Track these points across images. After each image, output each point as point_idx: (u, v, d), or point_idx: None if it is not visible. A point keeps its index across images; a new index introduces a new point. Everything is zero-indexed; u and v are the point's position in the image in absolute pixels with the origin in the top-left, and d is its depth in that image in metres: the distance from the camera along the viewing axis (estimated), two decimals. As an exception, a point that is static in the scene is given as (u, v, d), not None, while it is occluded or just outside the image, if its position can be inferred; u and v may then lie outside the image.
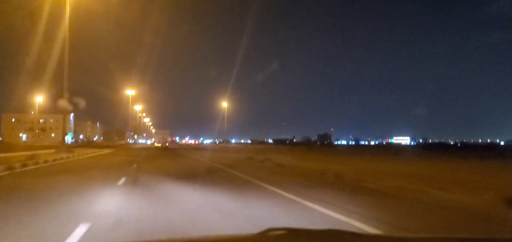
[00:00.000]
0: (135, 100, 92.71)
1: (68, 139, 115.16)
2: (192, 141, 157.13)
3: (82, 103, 61.95)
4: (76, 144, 78.61)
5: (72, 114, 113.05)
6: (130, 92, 61.72)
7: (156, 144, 70.36)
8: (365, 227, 5.04)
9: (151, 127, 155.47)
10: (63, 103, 28.03)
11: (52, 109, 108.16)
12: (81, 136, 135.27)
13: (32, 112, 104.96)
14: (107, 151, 40.36)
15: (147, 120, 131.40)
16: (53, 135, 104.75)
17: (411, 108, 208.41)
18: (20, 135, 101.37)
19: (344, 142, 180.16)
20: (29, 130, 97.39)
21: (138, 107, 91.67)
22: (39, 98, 62.18)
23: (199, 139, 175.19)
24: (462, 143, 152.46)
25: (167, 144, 72.31)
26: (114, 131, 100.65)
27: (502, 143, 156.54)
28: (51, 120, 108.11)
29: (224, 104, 75.09)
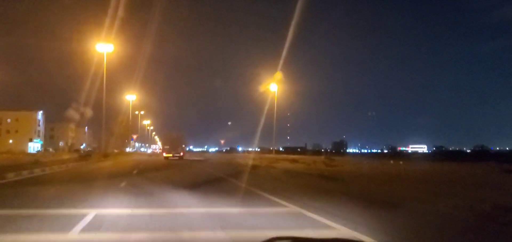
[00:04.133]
0: (125, 83, 62.19)
1: (35, 146, 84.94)
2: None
3: (89, 112, 41.18)
4: (39, 154, 49.71)
5: (39, 113, 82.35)
6: (103, 47, 31.09)
7: (165, 155, 40.65)
8: None
9: (153, 133, 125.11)
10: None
11: (14, 106, 78.03)
12: (61, 143, 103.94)
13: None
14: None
15: (147, 122, 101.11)
16: (10, 141, 73.95)
17: (420, 116, 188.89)
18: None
19: (355, 150, 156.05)
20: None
21: (131, 98, 60.94)
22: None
23: (204, 147, 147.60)
24: (482, 151, 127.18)
25: (181, 154, 41.42)
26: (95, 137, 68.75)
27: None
28: (9, 120, 77.19)
29: (273, 87, 45.55)
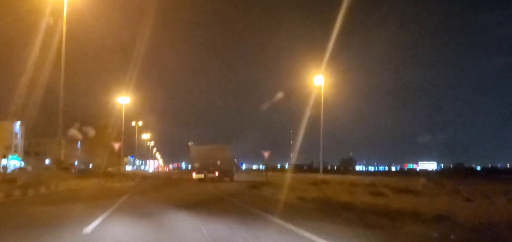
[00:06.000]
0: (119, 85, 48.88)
1: (11, 163, 70.60)
2: None
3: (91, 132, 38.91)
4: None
5: (17, 124, 68.60)
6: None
7: (195, 175, 30.72)
8: None
9: (154, 149, 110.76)
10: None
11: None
12: (47, 161, 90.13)
13: None
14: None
15: (146, 136, 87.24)
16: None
17: (420, 133, 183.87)
18: None
19: (362, 168, 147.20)
20: None
21: (123, 100, 47.07)
22: None
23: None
24: (494, 168, 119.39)
25: (216, 174, 30.55)
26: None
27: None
28: (-25, 131, 63.28)
29: (318, 80, 33.24)
